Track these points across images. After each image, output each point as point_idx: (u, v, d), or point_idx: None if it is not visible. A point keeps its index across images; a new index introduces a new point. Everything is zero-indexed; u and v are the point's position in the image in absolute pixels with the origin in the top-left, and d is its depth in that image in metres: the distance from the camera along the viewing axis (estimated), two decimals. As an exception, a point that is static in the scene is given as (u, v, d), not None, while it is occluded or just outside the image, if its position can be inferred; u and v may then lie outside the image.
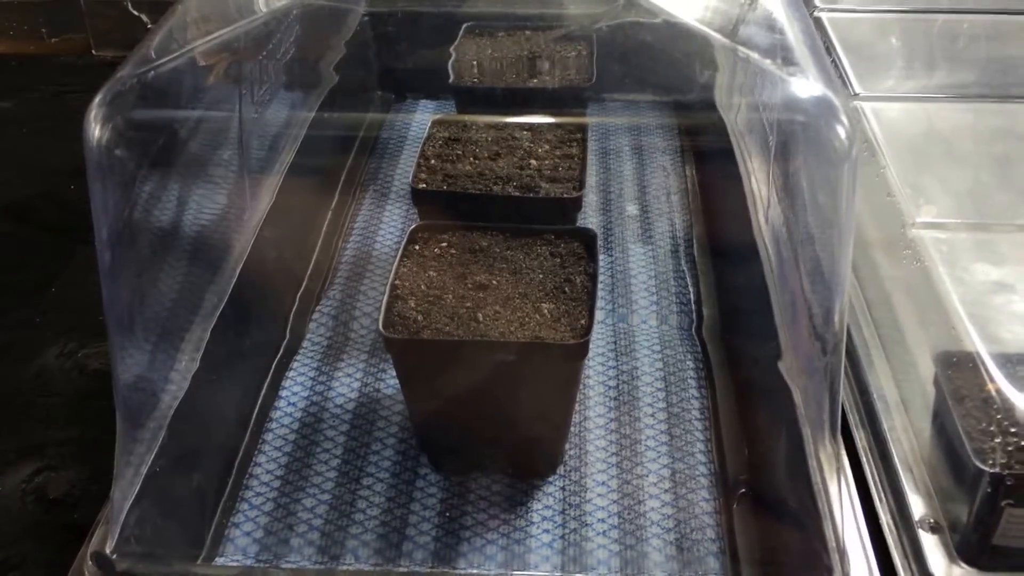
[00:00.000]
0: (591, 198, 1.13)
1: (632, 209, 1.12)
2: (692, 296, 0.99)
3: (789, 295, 0.65)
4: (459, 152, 0.92)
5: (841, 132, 0.54)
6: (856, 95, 0.96)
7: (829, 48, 1.05)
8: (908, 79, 1.01)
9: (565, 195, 0.88)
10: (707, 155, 1.11)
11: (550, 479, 0.80)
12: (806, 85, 0.55)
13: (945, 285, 0.73)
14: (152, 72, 0.59)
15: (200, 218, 0.75)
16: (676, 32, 0.60)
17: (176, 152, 0.68)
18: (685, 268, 1.03)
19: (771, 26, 0.61)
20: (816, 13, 1.12)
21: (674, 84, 0.99)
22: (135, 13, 1.46)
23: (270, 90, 0.84)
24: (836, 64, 1.02)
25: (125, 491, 0.61)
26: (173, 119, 0.67)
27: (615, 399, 0.88)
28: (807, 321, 0.60)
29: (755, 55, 0.57)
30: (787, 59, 0.57)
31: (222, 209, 0.80)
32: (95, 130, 0.57)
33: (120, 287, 0.58)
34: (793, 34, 0.59)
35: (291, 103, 0.97)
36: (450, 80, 1.05)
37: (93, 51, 1.50)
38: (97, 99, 0.59)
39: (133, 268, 0.61)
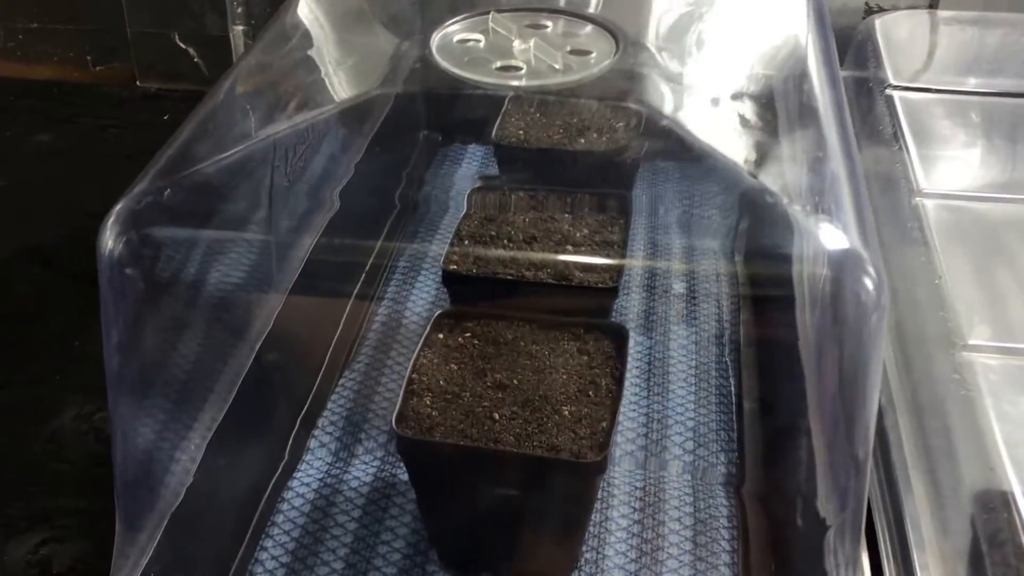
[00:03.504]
0: (635, 275, 1.15)
1: (678, 288, 1.14)
2: (732, 389, 1.01)
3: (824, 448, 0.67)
4: (494, 233, 0.96)
5: (868, 283, 0.56)
6: (920, 191, 0.97)
7: (897, 133, 1.06)
8: (981, 174, 1.02)
9: (600, 285, 0.91)
10: (760, 238, 1.13)
11: (563, 585, 0.82)
12: (835, 236, 0.58)
13: (989, 419, 0.74)
14: (170, 188, 0.63)
15: (222, 292, 0.80)
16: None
17: (203, 246, 0.73)
18: (728, 359, 1.05)
19: (809, 158, 0.63)
20: (888, 91, 1.14)
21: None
22: (182, 46, 1.52)
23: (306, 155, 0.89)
24: (903, 151, 1.04)
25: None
26: (196, 234, 0.71)
27: (640, 499, 0.90)
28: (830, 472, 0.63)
29: (783, 199, 0.60)
30: (821, 203, 0.60)
31: (244, 281, 0.85)
32: (108, 243, 0.61)
33: (127, 393, 0.63)
34: (832, 168, 0.62)
35: (328, 166, 1.01)
36: (493, 139, 1.09)
37: (138, 82, 1.57)
38: (112, 216, 0.63)
39: (141, 373, 0.65)
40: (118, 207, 0.63)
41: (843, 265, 0.57)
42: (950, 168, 1.02)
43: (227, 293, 0.80)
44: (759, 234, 0.90)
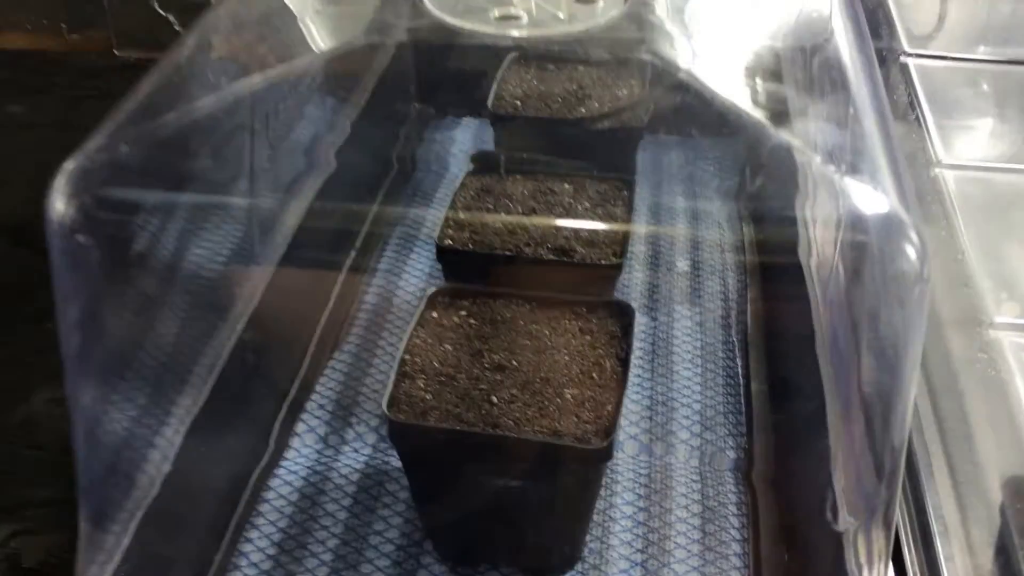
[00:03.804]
0: (637, 249, 1.11)
1: (682, 265, 1.10)
2: (740, 370, 0.97)
3: (848, 438, 0.62)
4: (491, 205, 0.91)
5: (911, 252, 0.51)
6: (939, 162, 0.92)
7: (913, 102, 1.02)
8: (1002, 144, 0.97)
9: (603, 262, 0.86)
10: (766, 210, 1.08)
11: (566, 576, 0.78)
12: (872, 197, 0.53)
13: (1021, 401, 0.70)
14: (130, 145, 0.57)
15: (196, 265, 0.75)
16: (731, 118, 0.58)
17: (176, 208, 0.67)
18: (735, 339, 1.00)
19: (839, 116, 0.58)
20: (903, 59, 1.09)
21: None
22: (162, 13, 1.46)
23: (287, 129, 0.83)
24: (920, 120, 0.99)
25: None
26: (162, 197, 0.65)
27: (645, 486, 0.86)
28: (859, 466, 0.58)
29: (815, 157, 0.55)
30: (854, 163, 0.55)
31: (224, 258, 0.80)
32: (58, 207, 0.55)
33: (88, 377, 0.57)
34: (865, 127, 0.57)
35: (315, 135, 0.96)
36: (489, 108, 1.04)
37: (115, 51, 1.51)
38: (62, 176, 0.57)
39: (104, 355, 0.60)
40: (69, 165, 0.57)
41: (882, 231, 0.52)
42: (969, 138, 0.97)
43: (202, 266, 0.75)
44: (773, 202, 0.85)
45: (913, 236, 0.52)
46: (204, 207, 0.73)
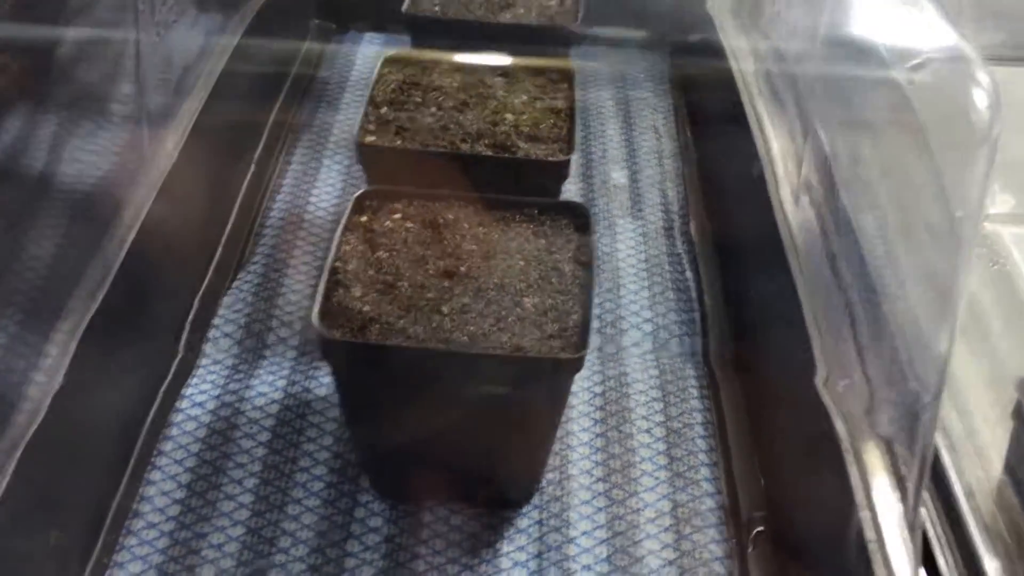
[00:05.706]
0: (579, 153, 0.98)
1: (619, 176, 0.97)
2: (691, 283, 0.85)
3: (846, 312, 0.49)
4: (417, 99, 0.76)
5: (979, 100, 0.38)
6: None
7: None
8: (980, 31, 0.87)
9: (551, 158, 0.72)
10: (708, 110, 0.96)
11: (523, 510, 0.67)
12: (928, 25, 0.40)
13: (1034, 293, 0.59)
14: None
15: (75, 173, 0.58)
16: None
17: (39, 84, 0.50)
18: (682, 250, 0.88)
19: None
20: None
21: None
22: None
23: (177, 7, 0.66)
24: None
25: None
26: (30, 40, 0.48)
27: (602, 408, 0.75)
28: (889, 356, 0.46)
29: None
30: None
31: (108, 161, 0.63)
32: None
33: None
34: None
35: (206, 25, 0.79)
36: (404, 8, 0.90)
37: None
38: None
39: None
40: None
41: (943, 71, 0.39)
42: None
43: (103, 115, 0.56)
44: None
45: (983, 78, 0.40)
46: (90, 45, 0.55)
